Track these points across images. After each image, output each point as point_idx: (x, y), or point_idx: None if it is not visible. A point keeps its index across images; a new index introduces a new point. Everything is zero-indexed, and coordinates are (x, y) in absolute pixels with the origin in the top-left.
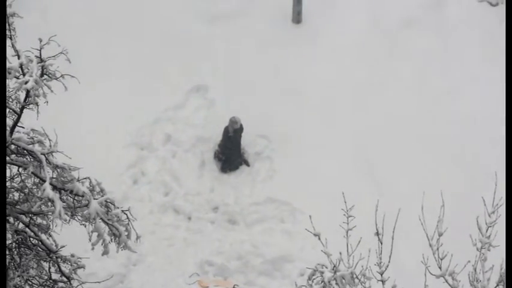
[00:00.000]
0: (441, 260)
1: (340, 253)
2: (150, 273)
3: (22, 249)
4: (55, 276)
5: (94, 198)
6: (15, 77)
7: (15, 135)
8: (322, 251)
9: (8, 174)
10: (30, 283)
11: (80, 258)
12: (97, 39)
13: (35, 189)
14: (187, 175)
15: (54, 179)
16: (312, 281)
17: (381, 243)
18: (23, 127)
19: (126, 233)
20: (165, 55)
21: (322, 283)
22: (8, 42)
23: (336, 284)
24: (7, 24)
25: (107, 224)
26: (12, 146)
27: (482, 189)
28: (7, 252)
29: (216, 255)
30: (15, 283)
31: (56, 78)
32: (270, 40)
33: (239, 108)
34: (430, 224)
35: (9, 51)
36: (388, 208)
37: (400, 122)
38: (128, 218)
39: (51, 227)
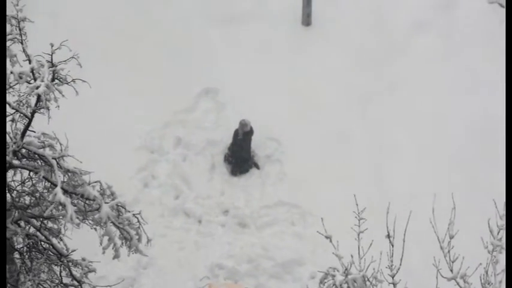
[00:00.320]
0: (452, 262)
1: (352, 256)
2: (160, 277)
3: (33, 253)
4: (66, 280)
5: (105, 202)
6: (26, 82)
7: (26, 139)
8: (333, 253)
9: (19, 178)
10: (42, 287)
11: (91, 262)
12: (107, 42)
13: (46, 194)
14: (197, 178)
15: (65, 183)
16: (324, 285)
17: (392, 246)
18: (34, 131)
19: (137, 237)
20: (175, 58)
21: (334, 286)
22: (19, 47)
23: (348, 287)
24: (18, 29)
25: (118, 227)
26: (23, 150)
27: (494, 192)
28: (18, 256)
29: (226, 258)
30: (26, 287)
31: (67, 83)
32: (279, 42)
33: (249, 111)
34: (441, 226)
35: (21, 56)
36: (399, 210)
37: (410, 123)
38: (138, 221)
39: (62, 231)
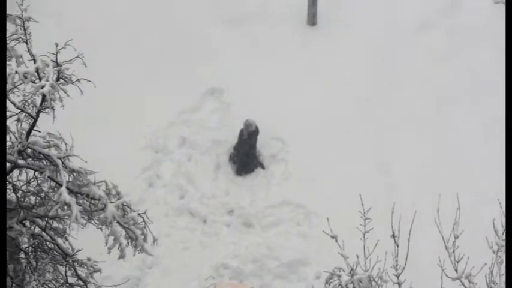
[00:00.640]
0: (457, 262)
1: (357, 256)
2: (165, 276)
3: (38, 253)
4: (71, 280)
5: (110, 202)
6: (31, 82)
7: (32, 139)
8: (339, 253)
9: (24, 178)
10: (47, 287)
11: (96, 262)
12: (112, 42)
13: (51, 193)
14: (202, 178)
15: (70, 183)
16: (329, 285)
17: (397, 246)
18: (39, 131)
19: (143, 236)
20: (180, 58)
21: (340, 287)
22: (24, 46)
23: (353, 287)
24: (23, 29)
25: (124, 227)
26: (29, 150)
27: (498, 192)
28: (23, 256)
29: (231, 258)
30: (31, 287)
31: (72, 83)
32: (285, 42)
33: (254, 111)
34: (446, 226)
35: (26, 56)
36: (404, 210)
37: (417, 124)
38: (144, 221)
39: (67, 231)
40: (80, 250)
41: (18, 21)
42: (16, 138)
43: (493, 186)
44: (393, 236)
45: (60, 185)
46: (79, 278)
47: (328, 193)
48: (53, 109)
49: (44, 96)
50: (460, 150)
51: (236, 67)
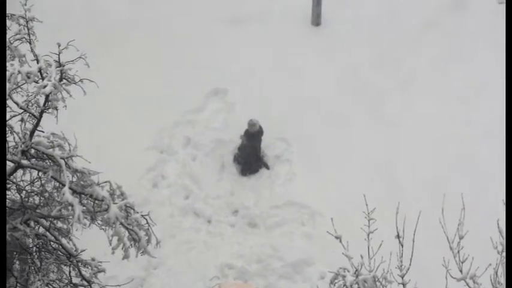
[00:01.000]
0: (462, 263)
1: (362, 256)
2: (170, 277)
3: (43, 253)
4: (76, 280)
5: (114, 203)
6: (34, 82)
7: (35, 139)
8: (343, 253)
9: (28, 178)
10: (51, 287)
11: (101, 262)
12: (115, 42)
13: (55, 193)
14: (207, 178)
15: (73, 183)
16: (334, 285)
17: (402, 246)
18: (42, 131)
19: (146, 238)
20: (184, 57)
21: (344, 287)
22: (27, 46)
23: (358, 287)
24: (27, 29)
25: (127, 228)
26: (32, 150)
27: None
28: (28, 256)
29: (236, 258)
30: (36, 287)
31: (75, 83)
32: (289, 42)
33: (259, 111)
34: (450, 226)
35: (29, 56)
36: (408, 211)
37: (420, 124)
38: (147, 222)
39: (71, 231)
40: (84, 250)
41: (22, 21)
42: (20, 138)
43: (497, 185)
44: (398, 236)
45: (64, 185)
46: (83, 278)
47: (332, 193)
48: (56, 109)
49: (47, 96)
50: (463, 150)
51: (240, 67)
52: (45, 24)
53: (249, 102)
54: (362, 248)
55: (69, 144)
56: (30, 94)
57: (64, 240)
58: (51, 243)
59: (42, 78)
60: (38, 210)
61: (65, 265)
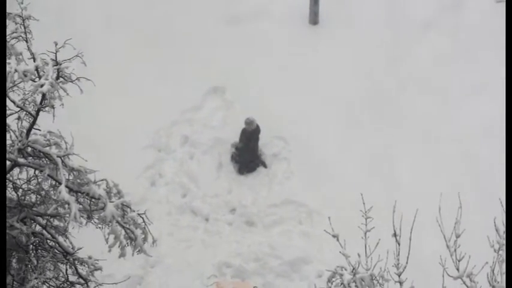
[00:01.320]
0: (459, 261)
1: (359, 255)
2: (167, 275)
3: (39, 251)
4: (72, 278)
5: (110, 201)
6: (31, 80)
7: (32, 137)
8: (340, 252)
9: (24, 176)
10: (48, 285)
11: (97, 260)
12: (112, 41)
13: (52, 192)
14: (204, 177)
15: (70, 182)
16: (332, 283)
17: (399, 245)
18: (39, 129)
19: (143, 236)
20: (182, 56)
21: (342, 285)
22: (24, 45)
23: (356, 286)
24: (23, 27)
25: (123, 227)
26: (29, 149)
27: (500, 191)
28: (24, 254)
29: (233, 256)
30: (32, 285)
31: (72, 81)
32: (287, 41)
33: (256, 110)
34: (447, 225)
35: (26, 54)
36: (405, 209)
37: (420, 124)
38: (144, 221)
39: (67, 229)
40: (81, 248)
41: (18, 20)
42: (16, 136)
43: (494, 184)
44: (395, 234)
45: (60, 183)
46: (80, 276)
47: (330, 192)
48: (53, 108)
49: (43, 94)
50: (461, 149)
51: (238, 66)
52: (42, 23)
53: (247, 101)
54: (359, 246)
55: (65, 143)
56: (27, 92)
57: (61, 239)
58: (48, 241)
59: (39, 77)
60: (34, 209)
61: (62, 263)
